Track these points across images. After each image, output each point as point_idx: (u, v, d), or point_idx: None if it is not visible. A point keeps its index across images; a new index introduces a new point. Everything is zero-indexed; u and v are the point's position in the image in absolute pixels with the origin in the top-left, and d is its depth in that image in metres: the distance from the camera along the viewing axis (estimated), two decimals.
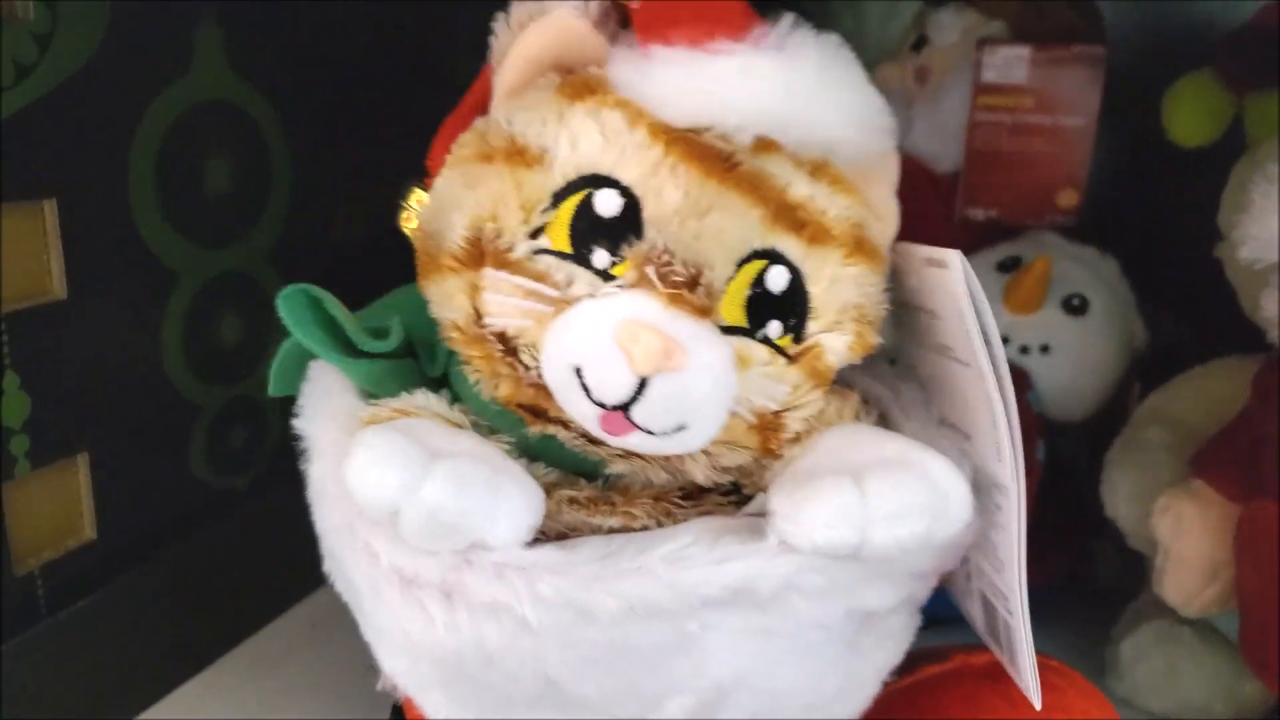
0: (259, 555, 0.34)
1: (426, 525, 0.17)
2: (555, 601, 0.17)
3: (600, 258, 0.19)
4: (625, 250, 0.18)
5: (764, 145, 0.19)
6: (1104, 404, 0.36)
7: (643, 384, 0.18)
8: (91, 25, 0.27)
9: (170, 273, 0.31)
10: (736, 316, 0.19)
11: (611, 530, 0.19)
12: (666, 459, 0.20)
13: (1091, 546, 0.37)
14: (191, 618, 0.32)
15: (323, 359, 0.20)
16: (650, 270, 0.18)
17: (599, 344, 0.18)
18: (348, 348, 0.20)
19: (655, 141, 0.18)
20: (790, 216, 0.19)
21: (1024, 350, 0.36)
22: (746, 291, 0.19)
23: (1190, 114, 0.34)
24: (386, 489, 0.17)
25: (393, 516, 0.17)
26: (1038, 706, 0.20)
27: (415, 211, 0.22)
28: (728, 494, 0.21)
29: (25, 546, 0.28)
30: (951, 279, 0.19)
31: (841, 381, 0.22)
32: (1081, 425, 0.37)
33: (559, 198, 0.19)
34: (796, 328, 0.20)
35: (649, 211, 0.18)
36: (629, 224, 0.18)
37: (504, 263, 0.19)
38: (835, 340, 0.20)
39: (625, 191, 0.18)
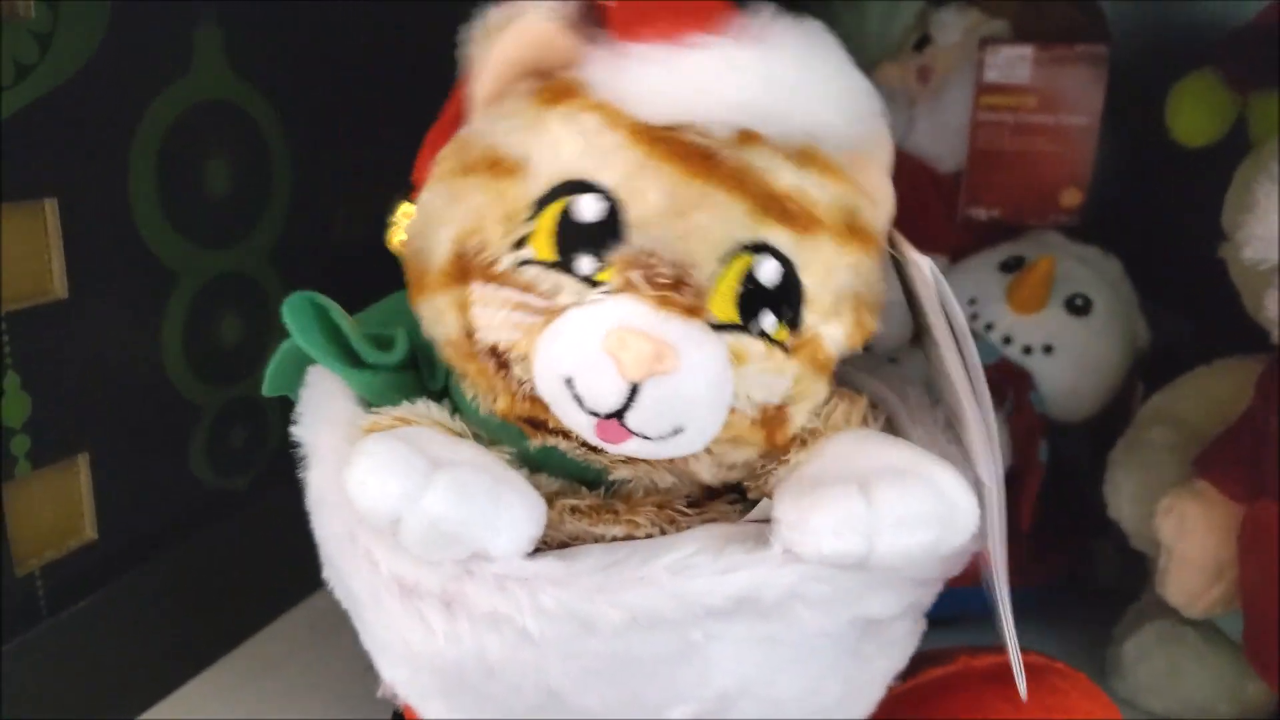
0: (259, 556, 0.34)
1: (428, 535, 0.17)
2: (557, 613, 0.17)
3: (585, 264, 0.18)
4: (609, 255, 0.18)
5: (747, 138, 0.18)
6: (1106, 404, 0.36)
7: (635, 389, 0.17)
8: (92, 25, 0.27)
9: (170, 273, 0.31)
10: (729, 313, 0.19)
11: (615, 539, 0.19)
12: (670, 461, 0.19)
13: (1093, 546, 0.37)
14: (192, 618, 0.32)
15: (326, 368, 0.20)
16: (635, 274, 0.18)
17: (588, 353, 0.17)
18: (351, 356, 0.20)
19: (635, 143, 0.18)
20: (777, 208, 0.19)
21: (1027, 350, 0.36)
22: (737, 287, 0.18)
23: (1193, 113, 0.34)
24: (388, 498, 0.17)
25: (394, 525, 0.17)
26: (1023, 695, 0.20)
27: (402, 227, 0.22)
28: (734, 501, 0.21)
29: (26, 547, 0.28)
30: (922, 282, 0.19)
31: (848, 385, 0.21)
32: (1083, 425, 0.37)
33: (540, 206, 0.19)
34: (793, 319, 0.19)
35: (632, 214, 0.18)
36: (612, 228, 0.18)
37: (490, 276, 0.19)
38: (833, 329, 0.20)
39: (607, 195, 0.18)
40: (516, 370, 0.19)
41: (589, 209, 0.18)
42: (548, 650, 0.17)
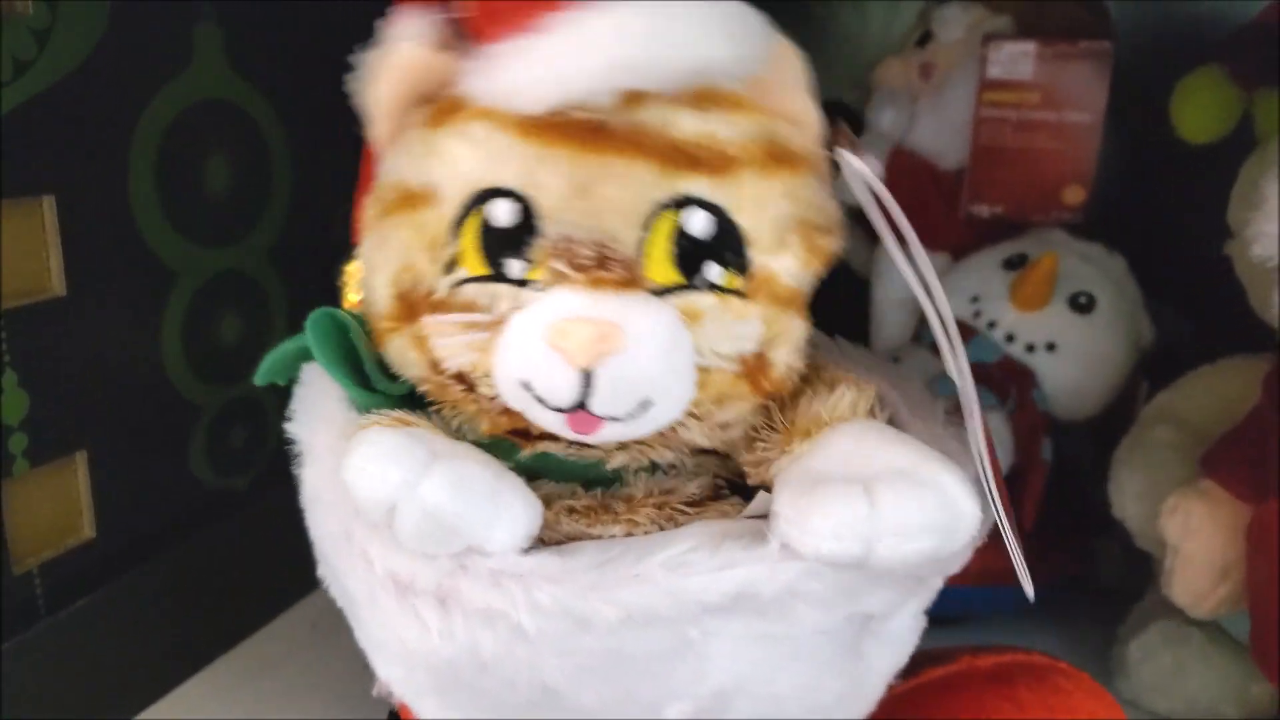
0: (258, 555, 0.34)
1: (423, 524, 0.17)
2: (552, 609, 0.17)
3: (515, 268, 0.18)
4: (532, 252, 0.18)
5: (632, 98, 0.18)
6: (1110, 403, 0.36)
7: (589, 376, 0.17)
8: (90, 22, 0.27)
9: (170, 271, 0.31)
10: (668, 274, 0.18)
11: (614, 538, 0.19)
12: (662, 435, 0.19)
13: (1095, 546, 0.37)
14: (190, 618, 0.32)
15: (342, 388, 0.20)
16: (558, 262, 0.18)
17: (535, 353, 0.17)
18: (363, 376, 0.20)
19: (524, 138, 0.18)
20: (684, 158, 0.18)
21: (1030, 348, 0.36)
22: (670, 246, 0.18)
23: (1198, 110, 0.34)
24: (386, 484, 0.17)
25: (390, 514, 0.17)
26: (1029, 592, 0.20)
27: (351, 287, 0.22)
28: (736, 503, 0.20)
29: (24, 545, 0.28)
30: (851, 182, 0.19)
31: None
32: (1086, 424, 0.36)
33: (458, 225, 0.19)
34: (739, 263, 0.19)
35: (542, 206, 0.18)
36: (529, 226, 0.18)
37: (434, 306, 0.19)
38: (784, 261, 0.19)
39: (515, 196, 0.18)
40: (483, 389, 0.19)
41: (502, 214, 0.18)
42: (542, 647, 0.17)
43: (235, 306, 0.33)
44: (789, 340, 0.20)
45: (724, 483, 0.21)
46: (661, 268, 0.18)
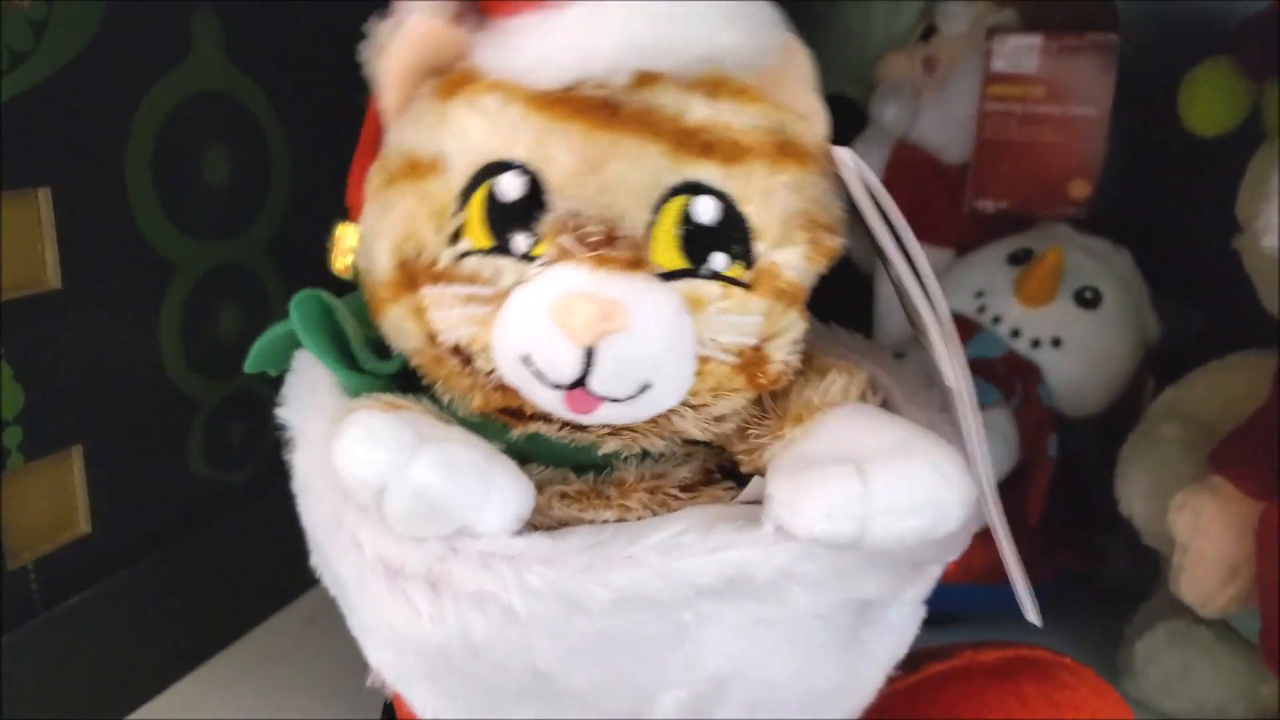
0: (256, 552, 0.34)
1: (412, 506, 0.17)
2: (544, 591, 0.17)
3: (520, 242, 0.18)
4: (539, 227, 0.18)
5: (645, 79, 0.18)
6: (1116, 399, 0.36)
7: (591, 354, 0.17)
8: (87, 13, 0.27)
9: (167, 265, 0.31)
10: (674, 259, 0.18)
11: (606, 524, 0.19)
12: (655, 423, 0.19)
13: (1100, 543, 0.36)
14: (187, 614, 0.32)
15: (329, 369, 0.20)
16: (566, 239, 0.17)
17: (537, 327, 0.17)
18: (351, 357, 0.20)
19: (536, 111, 0.18)
20: (696, 143, 0.18)
21: (1035, 344, 0.35)
22: (676, 231, 0.18)
23: (1207, 102, 0.33)
24: (374, 466, 0.17)
25: (378, 496, 0.17)
26: (1033, 620, 0.20)
27: (340, 250, 0.22)
28: (729, 488, 0.20)
29: (19, 540, 0.27)
30: (849, 178, 0.19)
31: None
32: (1091, 420, 0.36)
33: (465, 196, 0.18)
34: (744, 254, 0.19)
35: (550, 181, 0.18)
36: (537, 200, 0.18)
37: (435, 276, 0.19)
38: (788, 255, 0.19)
39: (523, 169, 0.18)
40: (480, 363, 0.19)
41: (510, 187, 0.18)
42: (534, 630, 0.17)
43: (233, 300, 0.33)
44: (788, 336, 0.19)
45: (716, 469, 0.21)
46: (667, 252, 0.18)
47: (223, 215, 0.32)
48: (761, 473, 0.19)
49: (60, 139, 0.27)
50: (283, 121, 0.33)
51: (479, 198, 0.18)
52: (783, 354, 0.19)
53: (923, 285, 0.19)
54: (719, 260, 0.18)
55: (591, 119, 0.18)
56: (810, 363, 0.21)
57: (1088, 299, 0.35)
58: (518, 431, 0.20)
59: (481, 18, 0.19)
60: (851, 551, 0.17)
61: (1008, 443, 0.33)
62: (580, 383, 0.17)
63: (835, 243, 0.20)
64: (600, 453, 0.20)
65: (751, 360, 0.19)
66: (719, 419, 0.20)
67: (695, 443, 0.20)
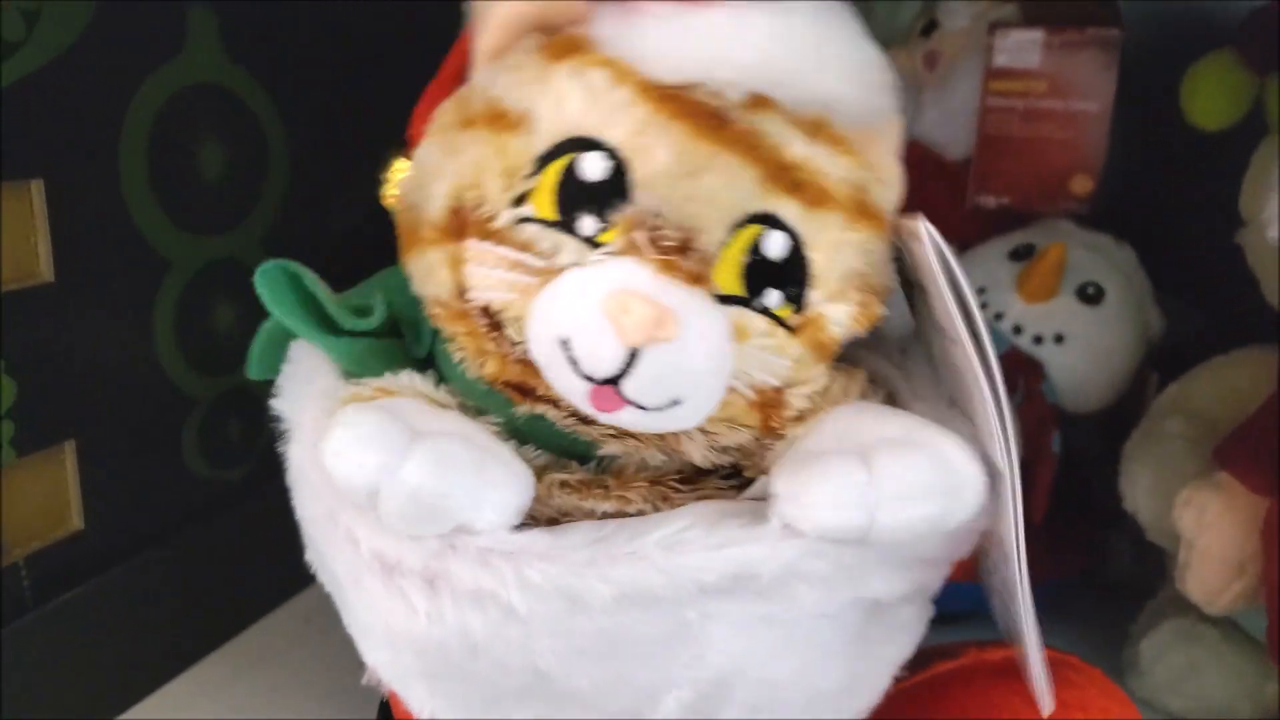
0: (252, 550, 0.34)
1: (407, 507, 0.16)
2: (544, 589, 0.16)
3: (587, 224, 0.18)
4: (613, 215, 0.17)
5: (758, 102, 0.18)
6: (1119, 395, 0.35)
7: (633, 356, 0.17)
8: (81, 2, 0.26)
9: (162, 259, 0.30)
10: (733, 285, 0.18)
11: (605, 515, 0.18)
12: (662, 438, 0.19)
13: (1104, 540, 0.36)
14: (181, 612, 0.32)
15: (303, 338, 0.20)
16: (640, 236, 0.17)
17: (586, 314, 0.17)
18: (329, 326, 0.20)
19: (643, 99, 0.17)
20: (787, 178, 0.18)
21: (1038, 340, 0.35)
22: (743, 258, 0.18)
23: (1210, 95, 0.33)
24: (366, 469, 0.16)
25: (372, 498, 0.16)
26: (1046, 711, 0.19)
27: (396, 183, 0.21)
28: (728, 478, 0.20)
29: (11, 536, 0.27)
30: (922, 250, 0.19)
31: (848, 360, 0.21)
32: (1094, 416, 0.36)
33: (543, 163, 0.18)
34: (797, 297, 0.18)
35: (637, 174, 0.17)
36: (616, 188, 0.17)
37: (487, 233, 0.18)
38: (838, 311, 0.19)
39: (612, 154, 0.17)
40: (510, 332, 0.18)
41: (593, 167, 0.18)
42: (535, 628, 0.17)
43: (229, 295, 0.33)
44: (810, 387, 0.19)
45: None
46: (729, 276, 0.18)
47: (218, 209, 0.32)
48: (765, 474, 0.19)
49: (54, 130, 0.26)
50: (279, 115, 0.33)
51: (556, 168, 0.18)
52: (800, 403, 0.19)
53: (986, 367, 0.18)
54: (773, 297, 0.18)
55: (700, 125, 0.17)
56: None
57: (1090, 295, 0.35)
58: (523, 410, 0.19)
59: None
60: (860, 548, 0.17)
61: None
62: (612, 381, 0.17)
63: (880, 311, 0.20)
64: (599, 452, 0.19)
65: (770, 401, 0.19)
66: (723, 450, 0.19)
67: None
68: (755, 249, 0.18)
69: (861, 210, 0.19)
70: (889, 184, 0.20)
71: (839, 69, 0.18)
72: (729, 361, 0.18)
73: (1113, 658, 0.32)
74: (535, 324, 0.18)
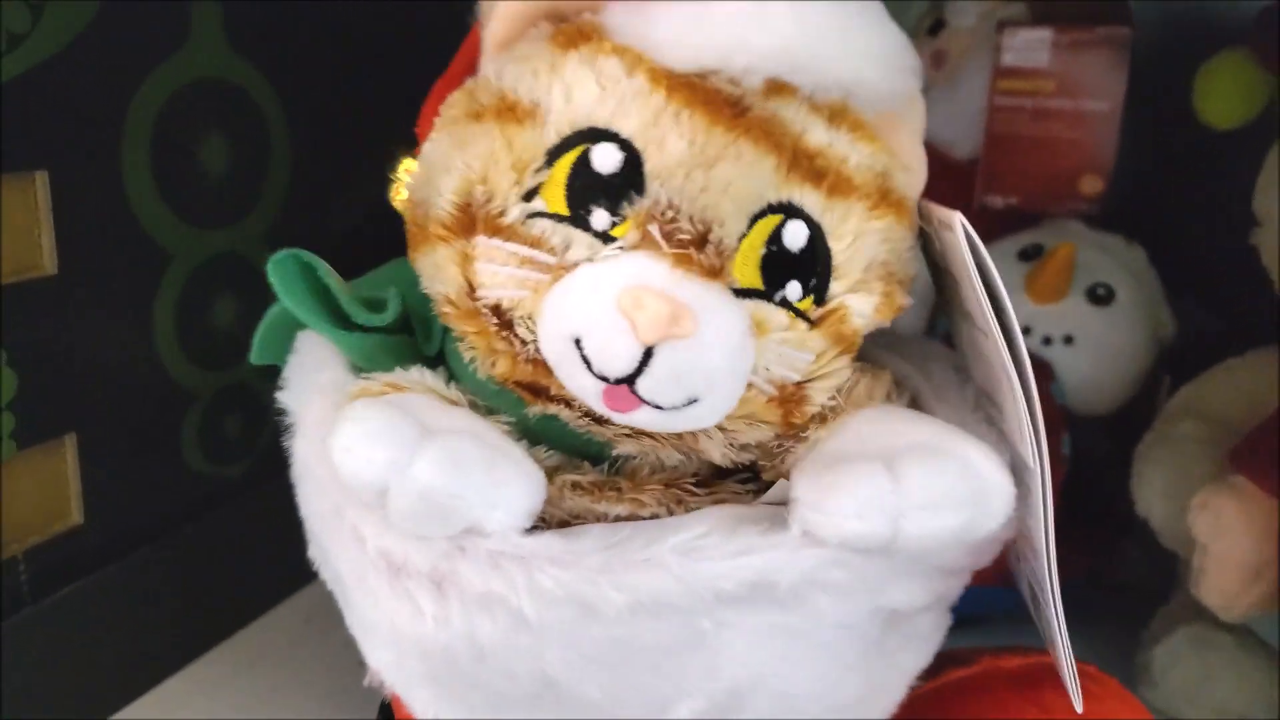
0: (252, 547, 0.33)
1: (416, 506, 0.16)
2: (556, 595, 0.16)
3: (600, 218, 0.17)
4: (626, 209, 0.17)
5: (776, 88, 0.17)
6: (1130, 397, 0.35)
7: (648, 354, 0.16)
8: None
9: (164, 252, 0.30)
10: (751, 278, 0.17)
11: (618, 518, 0.18)
12: (679, 437, 0.18)
13: (1114, 544, 0.36)
14: (180, 609, 0.31)
15: (314, 330, 0.19)
16: (654, 229, 0.16)
17: (600, 311, 0.16)
18: (340, 319, 0.19)
19: (656, 88, 0.17)
20: (807, 166, 0.17)
21: (1047, 341, 0.35)
22: (761, 250, 0.17)
23: (1224, 94, 0.33)
24: (374, 465, 0.16)
25: (380, 497, 0.16)
26: (1078, 709, 0.19)
27: (405, 182, 0.21)
28: (745, 481, 0.20)
29: (9, 530, 0.27)
30: (956, 241, 0.18)
31: (870, 361, 0.20)
32: (1103, 419, 0.35)
33: (554, 155, 0.17)
34: (818, 289, 0.18)
35: (651, 165, 0.17)
36: (630, 180, 0.17)
37: (496, 229, 0.17)
38: (861, 301, 0.18)
39: (625, 145, 0.17)
40: (520, 330, 0.18)
41: (606, 159, 0.17)
42: (545, 635, 0.16)
43: (231, 290, 0.32)
44: (831, 381, 0.19)
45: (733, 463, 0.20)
46: (747, 269, 0.17)
47: (221, 203, 0.32)
48: (786, 477, 0.19)
49: (58, 123, 0.26)
50: (283, 109, 0.33)
51: (568, 161, 0.17)
52: (821, 397, 0.19)
53: (1017, 361, 0.18)
54: (794, 290, 0.18)
55: (717, 113, 0.17)
56: None
57: (1100, 296, 0.35)
58: (535, 409, 0.19)
59: None
60: (881, 558, 0.17)
61: None
62: (627, 381, 0.17)
63: (905, 301, 0.19)
64: (614, 452, 0.19)
65: (791, 397, 0.18)
66: (743, 447, 0.19)
67: None
68: (775, 240, 0.17)
69: (884, 198, 0.18)
70: (912, 169, 0.19)
71: (861, 52, 0.18)
72: (748, 358, 0.17)
73: (1122, 661, 0.31)
74: (546, 322, 0.17)
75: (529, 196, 0.18)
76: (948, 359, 0.22)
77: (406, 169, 0.21)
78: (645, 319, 0.16)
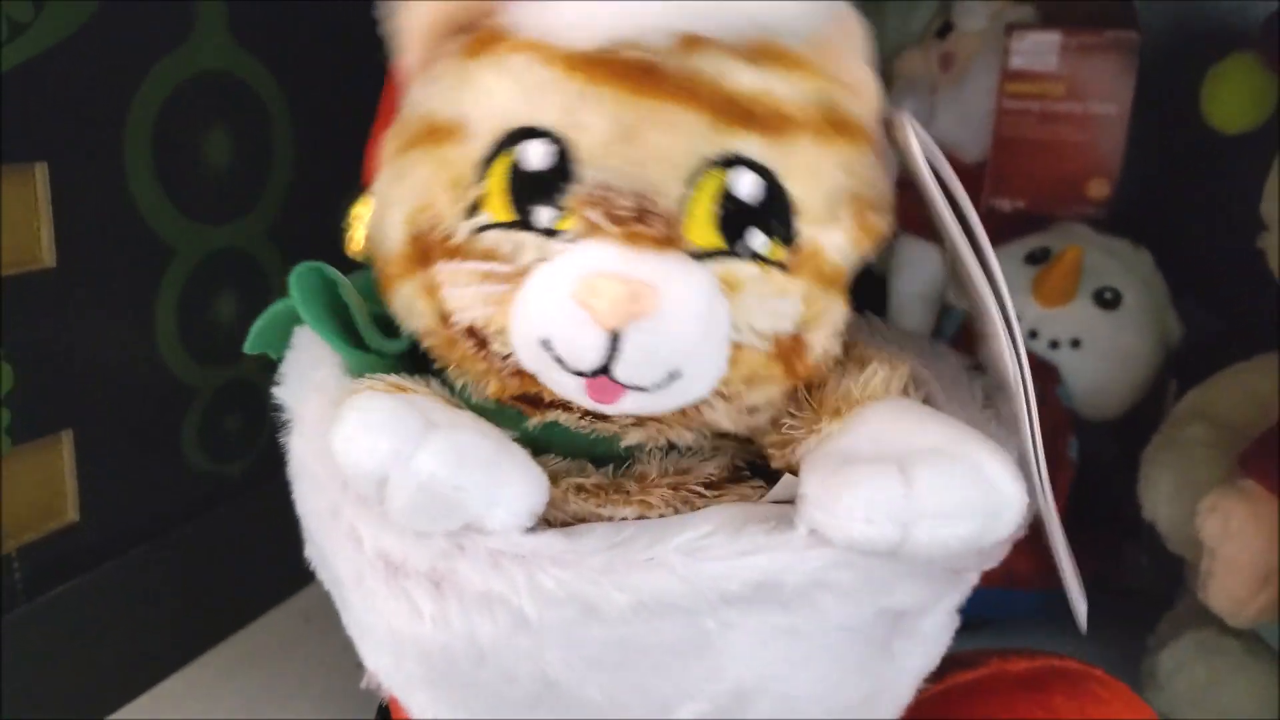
0: (251, 546, 0.33)
1: (417, 498, 0.16)
2: (557, 595, 0.16)
3: (543, 216, 0.17)
4: (565, 200, 0.17)
5: (689, 42, 0.17)
6: (1137, 401, 0.35)
7: (616, 338, 0.16)
8: None
9: (166, 247, 0.30)
10: (710, 238, 0.17)
11: (625, 520, 0.18)
12: (683, 414, 0.18)
13: (1119, 549, 0.36)
14: (178, 609, 0.31)
15: (331, 347, 0.19)
16: (594, 213, 0.16)
17: (559, 308, 0.16)
18: (355, 334, 0.19)
19: (569, 73, 0.17)
20: (741, 112, 0.17)
21: (1054, 344, 0.34)
22: (714, 208, 0.17)
23: (1232, 98, 0.33)
24: (376, 454, 0.16)
25: (381, 487, 0.16)
26: (1082, 627, 0.18)
27: (358, 230, 0.21)
28: (758, 486, 0.19)
29: (3, 527, 0.26)
30: (904, 143, 0.18)
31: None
32: (1109, 423, 0.35)
33: (486, 165, 0.17)
34: (785, 234, 0.17)
35: (580, 150, 0.17)
36: (563, 171, 0.17)
37: (451, 251, 0.17)
38: (834, 236, 0.18)
39: (551, 137, 0.17)
40: (496, 346, 0.17)
41: (535, 155, 0.17)
42: (546, 636, 0.16)
43: (233, 286, 0.32)
44: (828, 323, 0.18)
45: (744, 465, 0.20)
46: (703, 230, 0.17)
47: (224, 197, 0.31)
48: (794, 469, 0.18)
49: (59, 114, 0.26)
50: (288, 103, 0.33)
51: (501, 167, 0.17)
52: (823, 342, 0.18)
53: (984, 263, 0.18)
54: (758, 240, 0.17)
55: (628, 83, 0.17)
56: (849, 352, 0.20)
57: (1107, 300, 0.35)
58: (535, 420, 0.18)
59: None
60: (889, 559, 0.16)
61: None
62: (604, 370, 0.16)
63: (883, 224, 0.18)
64: (623, 444, 0.19)
65: (789, 349, 0.18)
66: (752, 410, 0.18)
67: (724, 436, 0.19)
68: (726, 195, 0.17)
69: (833, 126, 0.18)
70: (859, 90, 0.18)
71: None
72: (722, 320, 0.17)
73: (1127, 666, 0.31)
74: (515, 331, 0.17)
75: (473, 211, 0.17)
76: (957, 359, 0.21)
77: (357, 216, 0.21)
78: (604, 304, 0.16)
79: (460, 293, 0.17)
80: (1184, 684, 0.29)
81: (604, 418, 0.18)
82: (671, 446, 0.19)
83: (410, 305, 0.18)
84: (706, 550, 0.16)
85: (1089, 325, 0.34)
